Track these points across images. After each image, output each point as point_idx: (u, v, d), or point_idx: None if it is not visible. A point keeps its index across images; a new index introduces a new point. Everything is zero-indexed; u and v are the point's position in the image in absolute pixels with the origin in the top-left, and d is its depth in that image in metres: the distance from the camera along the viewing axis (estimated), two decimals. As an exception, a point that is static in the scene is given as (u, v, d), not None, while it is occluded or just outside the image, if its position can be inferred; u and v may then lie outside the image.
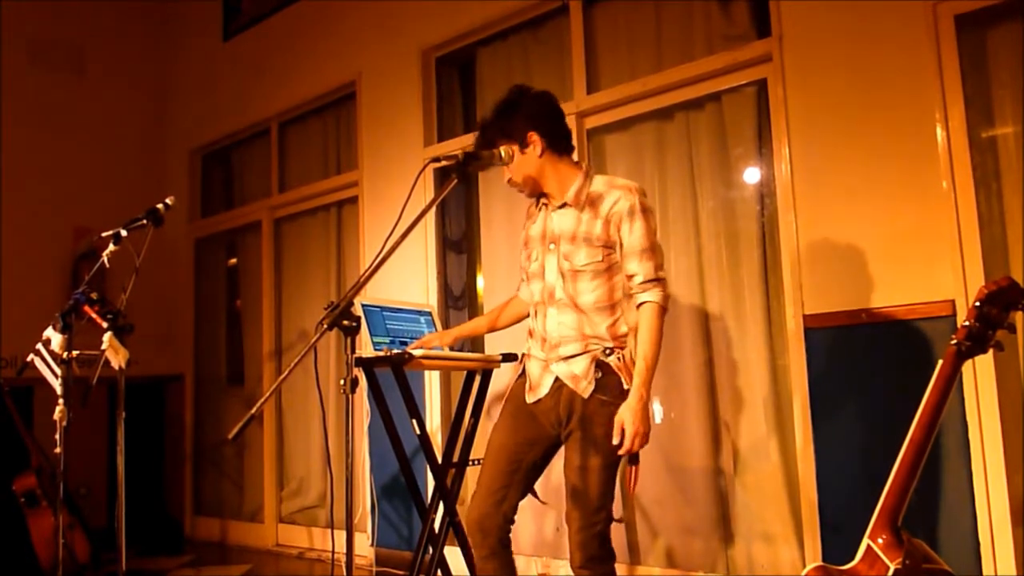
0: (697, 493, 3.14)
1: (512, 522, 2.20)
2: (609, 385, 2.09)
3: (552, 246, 2.19)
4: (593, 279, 2.13)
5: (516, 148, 2.18)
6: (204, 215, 5.50)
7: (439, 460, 2.73)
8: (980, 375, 2.39)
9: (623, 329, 2.14)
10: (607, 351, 2.11)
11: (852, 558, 1.68)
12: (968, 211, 2.47)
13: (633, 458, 2.04)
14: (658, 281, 2.10)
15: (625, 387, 2.06)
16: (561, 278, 2.16)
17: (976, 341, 1.65)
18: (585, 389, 2.10)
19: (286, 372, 1.83)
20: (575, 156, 2.28)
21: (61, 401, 2.65)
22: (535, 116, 2.18)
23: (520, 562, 3.51)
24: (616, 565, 2.14)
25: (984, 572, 2.35)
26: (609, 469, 2.09)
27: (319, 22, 4.65)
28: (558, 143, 2.20)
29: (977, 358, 1.71)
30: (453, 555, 2.73)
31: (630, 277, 2.12)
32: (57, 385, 2.69)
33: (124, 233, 2.67)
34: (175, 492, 5.31)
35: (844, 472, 2.64)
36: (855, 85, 2.70)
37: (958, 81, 2.52)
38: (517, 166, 2.20)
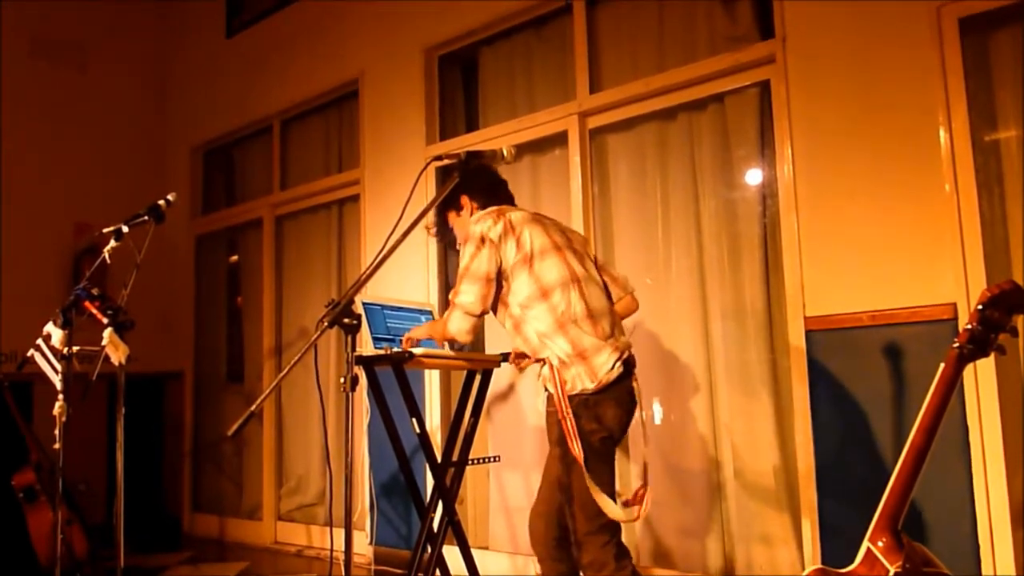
0: (697, 494, 3.14)
1: None
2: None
3: None
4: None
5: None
6: (205, 212, 5.50)
7: (438, 459, 2.73)
8: (981, 378, 2.39)
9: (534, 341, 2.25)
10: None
11: (852, 561, 1.68)
12: (970, 214, 2.47)
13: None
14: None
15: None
16: None
17: (978, 344, 1.64)
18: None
19: (286, 369, 1.83)
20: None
21: (61, 396, 2.65)
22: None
23: (518, 561, 3.51)
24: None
25: (984, 575, 2.35)
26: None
27: (322, 20, 4.65)
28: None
29: (979, 362, 1.70)
30: (452, 554, 2.73)
31: None
32: (57, 380, 2.69)
33: (125, 229, 2.67)
34: (174, 489, 5.30)
35: (844, 474, 2.64)
36: (858, 87, 2.70)
37: (961, 84, 2.51)
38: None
